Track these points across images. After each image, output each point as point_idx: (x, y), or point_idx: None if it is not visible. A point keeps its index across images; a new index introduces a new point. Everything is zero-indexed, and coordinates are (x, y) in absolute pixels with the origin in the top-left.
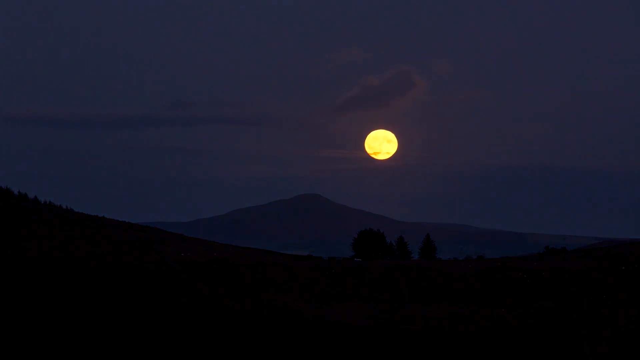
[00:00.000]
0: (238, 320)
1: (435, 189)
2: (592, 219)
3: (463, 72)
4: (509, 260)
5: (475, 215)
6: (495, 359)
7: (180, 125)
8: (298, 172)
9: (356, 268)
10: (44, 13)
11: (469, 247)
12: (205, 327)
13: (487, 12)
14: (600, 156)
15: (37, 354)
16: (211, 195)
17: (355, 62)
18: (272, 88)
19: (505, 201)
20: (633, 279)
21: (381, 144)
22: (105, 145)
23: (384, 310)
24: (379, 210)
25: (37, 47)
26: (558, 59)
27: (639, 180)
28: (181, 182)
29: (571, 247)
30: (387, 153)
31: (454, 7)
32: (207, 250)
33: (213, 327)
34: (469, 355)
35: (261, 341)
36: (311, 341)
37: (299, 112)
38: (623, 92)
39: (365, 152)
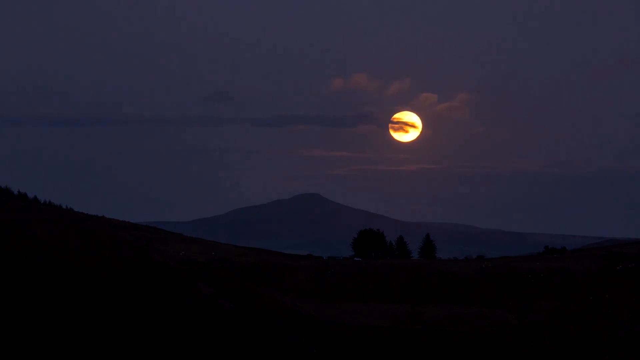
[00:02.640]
0: (238, 320)
1: (435, 189)
2: (592, 219)
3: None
4: (509, 260)
5: (475, 215)
6: (495, 358)
7: (180, 126)
8: (298, 172)
9: (356, 268)
10: (45, 14)
11: (469, 247)
12: (205, 327)
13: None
14: (600, 157)
15: (38, 353)
16: (211, 195)
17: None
18: (272, 88)
19: (505, 201)
20: (632, 278)
21: (406, 125)
22: (105, 145)
23: (384, 310)
24: (379, 210)
25: (37, 47)
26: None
27: (638, 180)
28: (181, 182)
29: (571, 247)
30: (413, 133)
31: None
32: (207, 250)
33: (213, 327)
34: (469, 355)
35: (261, 341)
36: (311, 340)
37: (300, 112)
38: (623, 93)
39: (367, 153)
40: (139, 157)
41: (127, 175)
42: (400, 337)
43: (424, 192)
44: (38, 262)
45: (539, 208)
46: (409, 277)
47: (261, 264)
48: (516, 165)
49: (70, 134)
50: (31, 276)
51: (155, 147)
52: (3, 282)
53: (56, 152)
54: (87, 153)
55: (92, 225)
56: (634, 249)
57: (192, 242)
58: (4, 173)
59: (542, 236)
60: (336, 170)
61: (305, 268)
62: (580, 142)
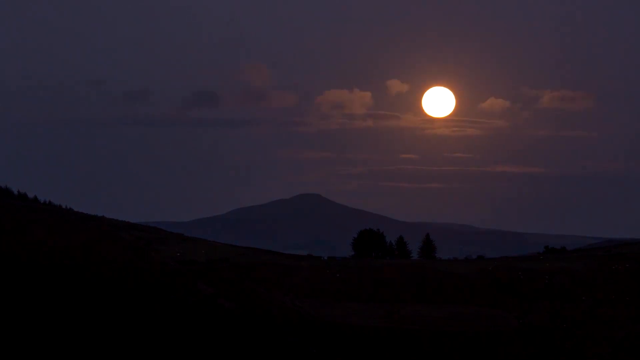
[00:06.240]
0: (238, 320)
1: (436, 189)
2: (592, 219)
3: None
4: (509, 260)
5: (475, 215)
6: (495, 358)
7: (180, 126)
8: (298, 172)
9: (356, 268)
10: (47, 11)
11: (469, 247)
12: (205, 327)
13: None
14: (601, 157)
15: (39, 352)
16: (211, 195)
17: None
18: (273, 88)
19: (505, 201)
20: (632, 278)
21: (439, 102)
22: (105, 145)
23: (383, 310)
24: (379, 210)
25: (36, 45)
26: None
27: (638, 180)
28: (181, 182)
29: (571, 247)
30: (445, 112)
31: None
32: (207, 250)
33: (213, 327)
34: (469, 355)
35: (261, 340)
36: (311, 340)
37: (300, 112)
38: (626, 94)
39: (367, 153)
40: (139, 157)
41: (127, 175)
42: (400, 337)
43: (425, 192)
44: (38, 262)
45: (539, 208)
46: (409, 277)
47: (261, 264)
48: (516, 166)
49: (70, 133)
50: (31, 276)
51: (156, 147)
52: (3, 283)
53: (56, 152)
54: (87, 153)
55: (92, 225)
56: (633, 249)
57: (192, 242)
58: (4, 173)
59: (542, 236)
60: (336, 170)
61: (305, 268)
62: (581, 142)
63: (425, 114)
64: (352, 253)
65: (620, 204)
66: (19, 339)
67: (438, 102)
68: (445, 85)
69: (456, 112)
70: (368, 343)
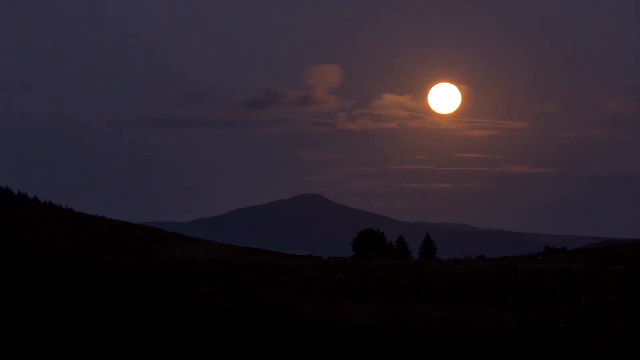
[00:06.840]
0: (238, 320)
1: (436, 189)
2: (592, 219)
3: None
4: (509, 260)
5: (476, 215)
6: (495, 358)
7: (180, 126)
8: (298, 172)
9: (356, 268)
10: (52, 13)
11: (469, 247)
12: (205, 327)
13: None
14: (600, 157)
15: (39, 352)
16: (211, 195)
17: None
18: (273, 89)
19: (505, 201)
20: (631, 278)
21: (446, 97)
22: (105, 145)
23: (383, 310)
24: (379, 210)
25: (38, 45)
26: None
27: (638, 181)
28: (181, 182)
29: (571, 247)
30: (452, 106)
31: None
32: (207, 250)
33: (213, 327)
34: (469, 355)
35: (260, 340)
36: (311, 340)
37: (299, 113)
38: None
39: (368, 154)
40: (139, 157)
41: (127, 175)
42: (400, 337)
43: (424, 192)
44: (38, 262)
45: (539, 208)
46: (409, 277)
47: (261, 264)
48: (516, 166)
49: (71, 133)
50: (31, 276)
51: (156, 147)
52: (3, 282)
53: (56, 153)
54: (87, 153)
55: (92, 225)
56: (634, 249)
57: (192, 242)
58: (4, 173)
59: (542, 236)
60: (336, 170)
61: (305, 268)
62: (581, 142)
63: (437, 114)
64: (352, 253)
65: (621, 204)
66: (19, 338)
67: (448, 101)
68: (463, 86)
69: (469, 112)
70: (368, 343)
